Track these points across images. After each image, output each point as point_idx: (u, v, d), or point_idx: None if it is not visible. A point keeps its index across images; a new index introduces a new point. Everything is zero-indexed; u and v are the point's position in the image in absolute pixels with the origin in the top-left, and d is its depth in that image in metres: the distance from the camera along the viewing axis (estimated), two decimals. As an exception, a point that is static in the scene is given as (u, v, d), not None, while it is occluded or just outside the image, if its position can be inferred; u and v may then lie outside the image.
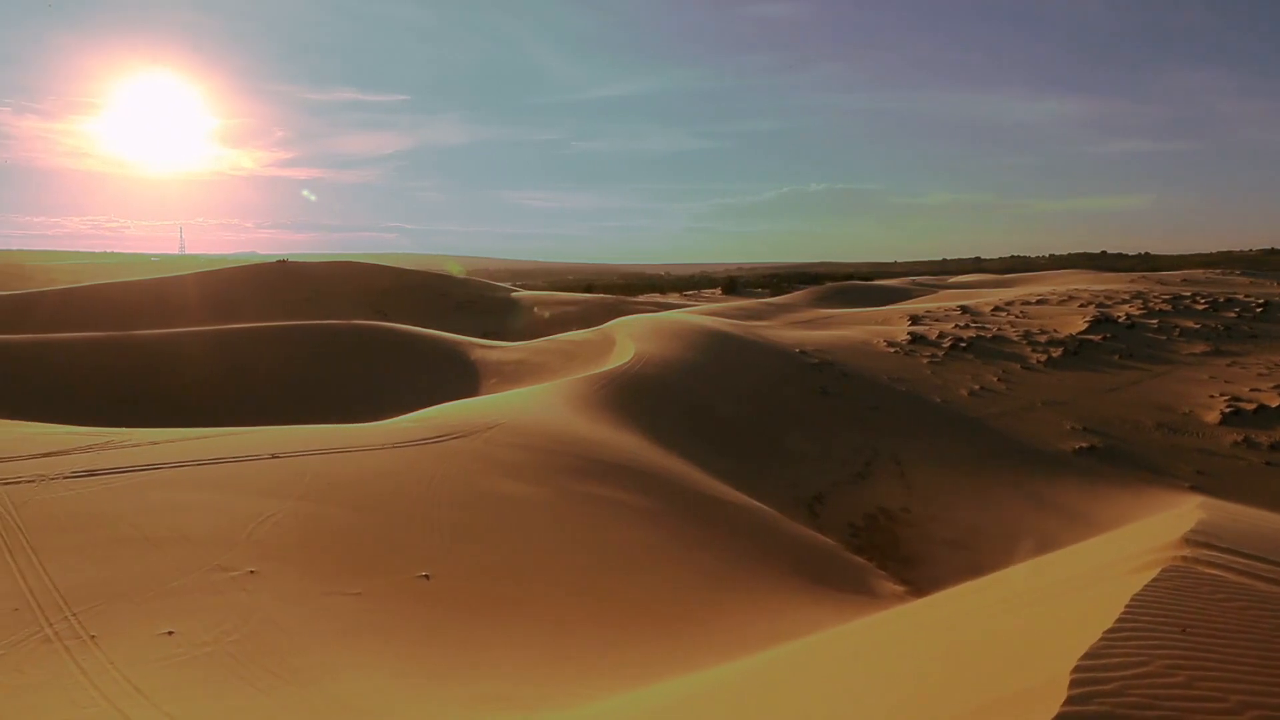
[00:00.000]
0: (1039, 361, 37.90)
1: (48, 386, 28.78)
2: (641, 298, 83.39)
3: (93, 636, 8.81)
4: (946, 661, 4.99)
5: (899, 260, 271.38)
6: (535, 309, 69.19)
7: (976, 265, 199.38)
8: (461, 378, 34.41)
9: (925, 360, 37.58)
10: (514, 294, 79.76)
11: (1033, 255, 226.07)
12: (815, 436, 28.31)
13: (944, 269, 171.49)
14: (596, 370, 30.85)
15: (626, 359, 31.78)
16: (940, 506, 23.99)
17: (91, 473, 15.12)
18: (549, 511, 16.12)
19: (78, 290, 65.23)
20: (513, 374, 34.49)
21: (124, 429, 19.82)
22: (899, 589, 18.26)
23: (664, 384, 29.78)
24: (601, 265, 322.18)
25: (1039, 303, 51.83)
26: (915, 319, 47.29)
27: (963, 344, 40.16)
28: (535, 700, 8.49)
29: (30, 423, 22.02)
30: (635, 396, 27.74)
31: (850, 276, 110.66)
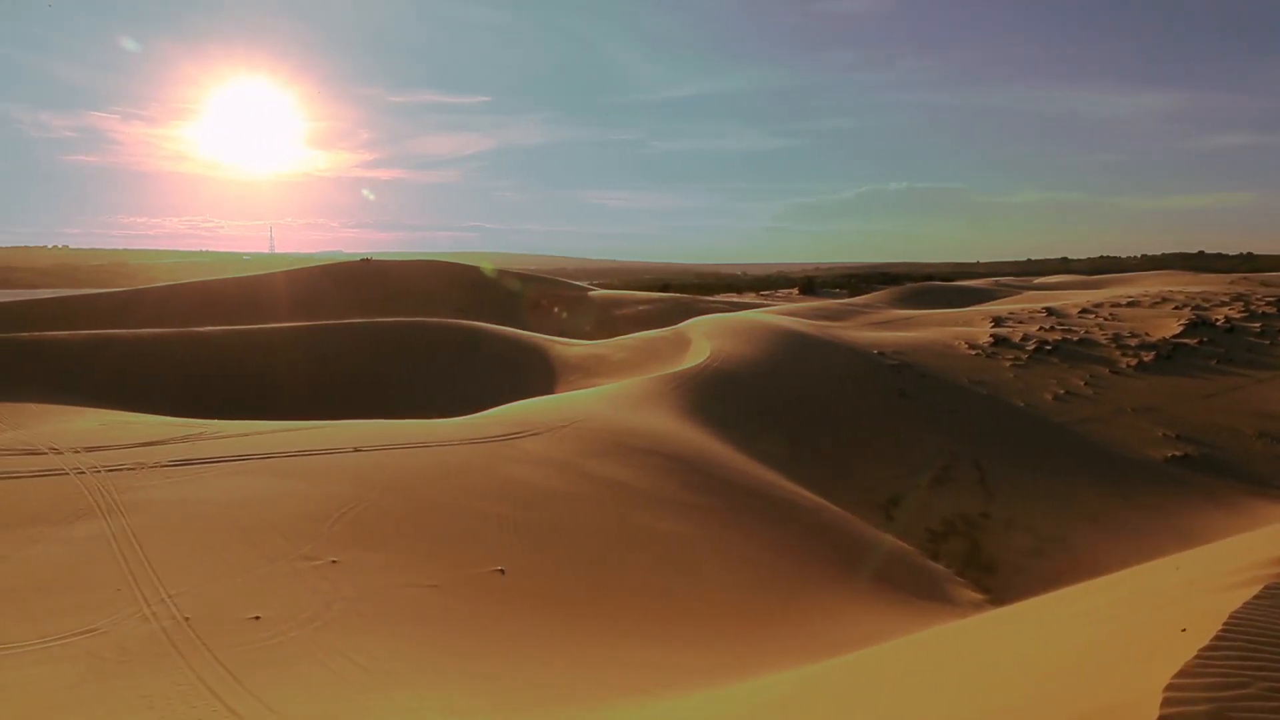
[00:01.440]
0: (1129, 366, 36.46)
1: (146, 379, 30.15)
2: (718, 297, 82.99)
3: (186, 618, 9.20)
4: (1030, 674, 4.85)
5: (982, 260, 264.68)
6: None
7: (1064, 266, 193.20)
8: (540, 375, 34.84)
9: (1008, 363, 36.51)
10: (590, 293, 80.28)
11: (1123, 255, 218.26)
12: (892, 439, 27.79)
13: (1029, 269, 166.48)
14: (672, 369, 30.87)
15: (702, 358, 31.71)
16: (1021, 513, 23.29)
17: (186, 462, 15.81)
18: (619, 510, 16.21)
19: (176, 288, 68.19)
20: (590, 372, 34.77)
21: (216, 421, 20.65)
22: (978, 597, 17.82)
23: (739, 384, 29.62)
24: (678, 265, 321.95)
25: (1129, 304, 49.85)
26: (998, 320, 46.00)
27: (1048, 347, 38.88)
28: (596, 703, 8.55)
29: (129, 413, 23.14)
30: (710, 396, 27.67)
31: (930, 277, 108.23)
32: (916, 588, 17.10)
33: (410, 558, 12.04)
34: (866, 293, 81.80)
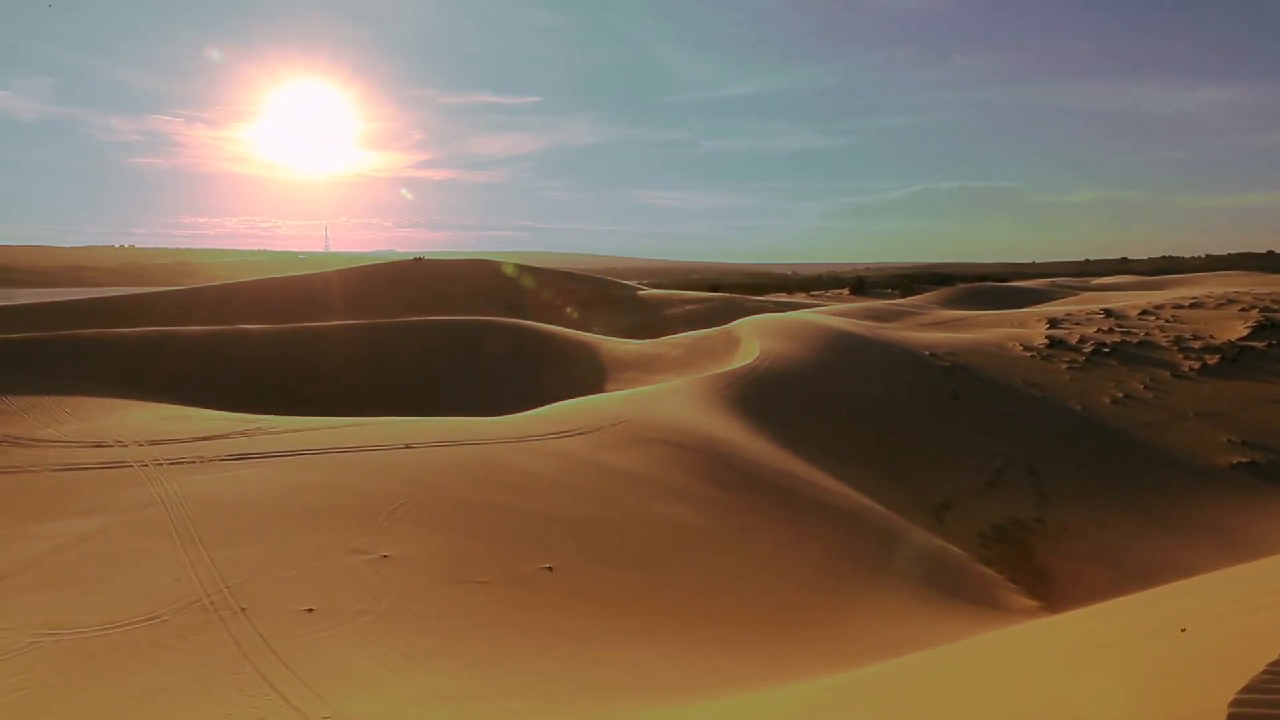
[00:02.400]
0: (1192, 369, 35.40)
1: (204, 375, 30.92)
2: (768, 297, 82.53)
3: (243, 609, 9.42)
4: (1085, 684, 4.74)
5: (1037, 261, 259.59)
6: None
7: (1123, 266, 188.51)
8: (590, 373, 34.98)
9: (1064, 365, 35.70)
10: (640, 292, 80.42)
11: (1186, 256, 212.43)
12: (944, 442, 27.37)
13: (1087, 270, 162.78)
14: (721, 369, 30.78)
15: (752, 358, 31.56)
16: (1077, 519, 22.77)
17: (244, 456, 16.19)
18: (666, 510, 16.20)
19: (234, 286, 69.91)
20: (641, 370, 34.82)
21: (271, 416, 21.10)
22: (1030, 604, 17.47)
23: (788, 384, 29.42)
24: (728, 265, 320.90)
25: (1193, 306, 48.37)
26: (1054, 322, 44.99)
27: (1106, 349, 37.93)
28: (647, 702, 8.55)
29: (189, 407, 23.77)
30: (759, 396, 27.53)
31: (984, 277, 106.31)
32: (967, 592, 16.83)
33: (459, 554, 12.18)
34: (918, 293, 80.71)
